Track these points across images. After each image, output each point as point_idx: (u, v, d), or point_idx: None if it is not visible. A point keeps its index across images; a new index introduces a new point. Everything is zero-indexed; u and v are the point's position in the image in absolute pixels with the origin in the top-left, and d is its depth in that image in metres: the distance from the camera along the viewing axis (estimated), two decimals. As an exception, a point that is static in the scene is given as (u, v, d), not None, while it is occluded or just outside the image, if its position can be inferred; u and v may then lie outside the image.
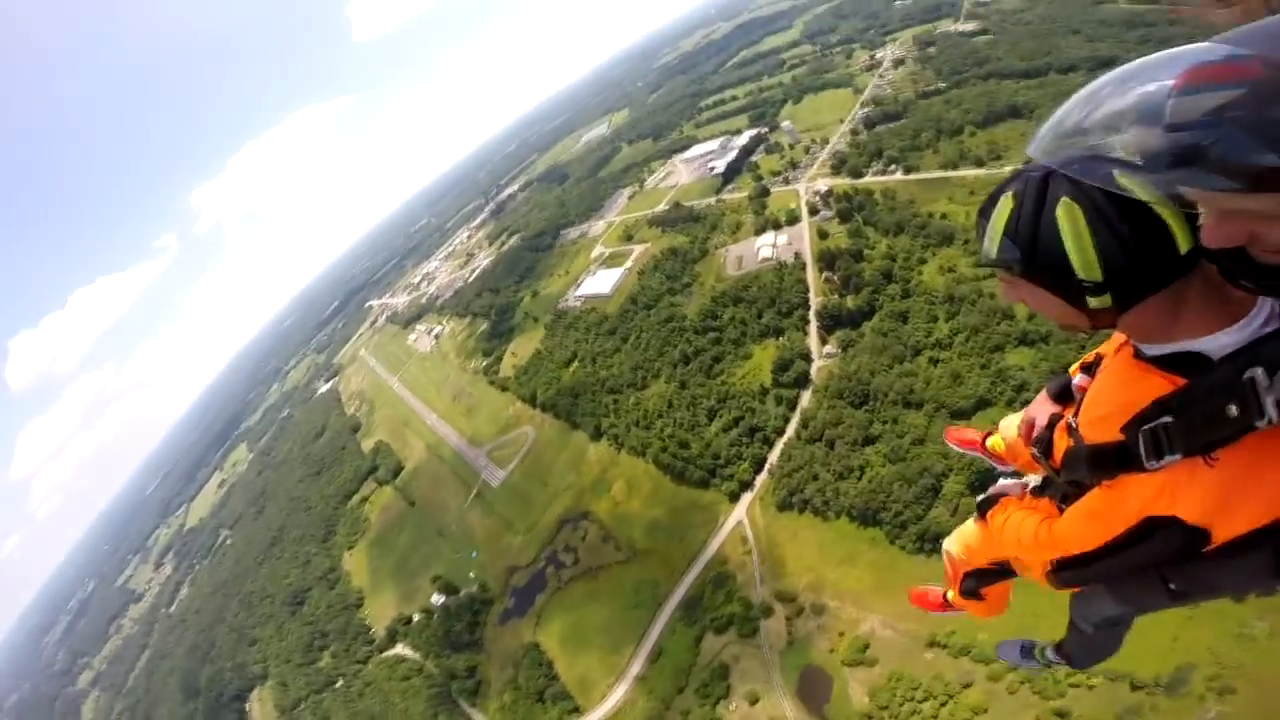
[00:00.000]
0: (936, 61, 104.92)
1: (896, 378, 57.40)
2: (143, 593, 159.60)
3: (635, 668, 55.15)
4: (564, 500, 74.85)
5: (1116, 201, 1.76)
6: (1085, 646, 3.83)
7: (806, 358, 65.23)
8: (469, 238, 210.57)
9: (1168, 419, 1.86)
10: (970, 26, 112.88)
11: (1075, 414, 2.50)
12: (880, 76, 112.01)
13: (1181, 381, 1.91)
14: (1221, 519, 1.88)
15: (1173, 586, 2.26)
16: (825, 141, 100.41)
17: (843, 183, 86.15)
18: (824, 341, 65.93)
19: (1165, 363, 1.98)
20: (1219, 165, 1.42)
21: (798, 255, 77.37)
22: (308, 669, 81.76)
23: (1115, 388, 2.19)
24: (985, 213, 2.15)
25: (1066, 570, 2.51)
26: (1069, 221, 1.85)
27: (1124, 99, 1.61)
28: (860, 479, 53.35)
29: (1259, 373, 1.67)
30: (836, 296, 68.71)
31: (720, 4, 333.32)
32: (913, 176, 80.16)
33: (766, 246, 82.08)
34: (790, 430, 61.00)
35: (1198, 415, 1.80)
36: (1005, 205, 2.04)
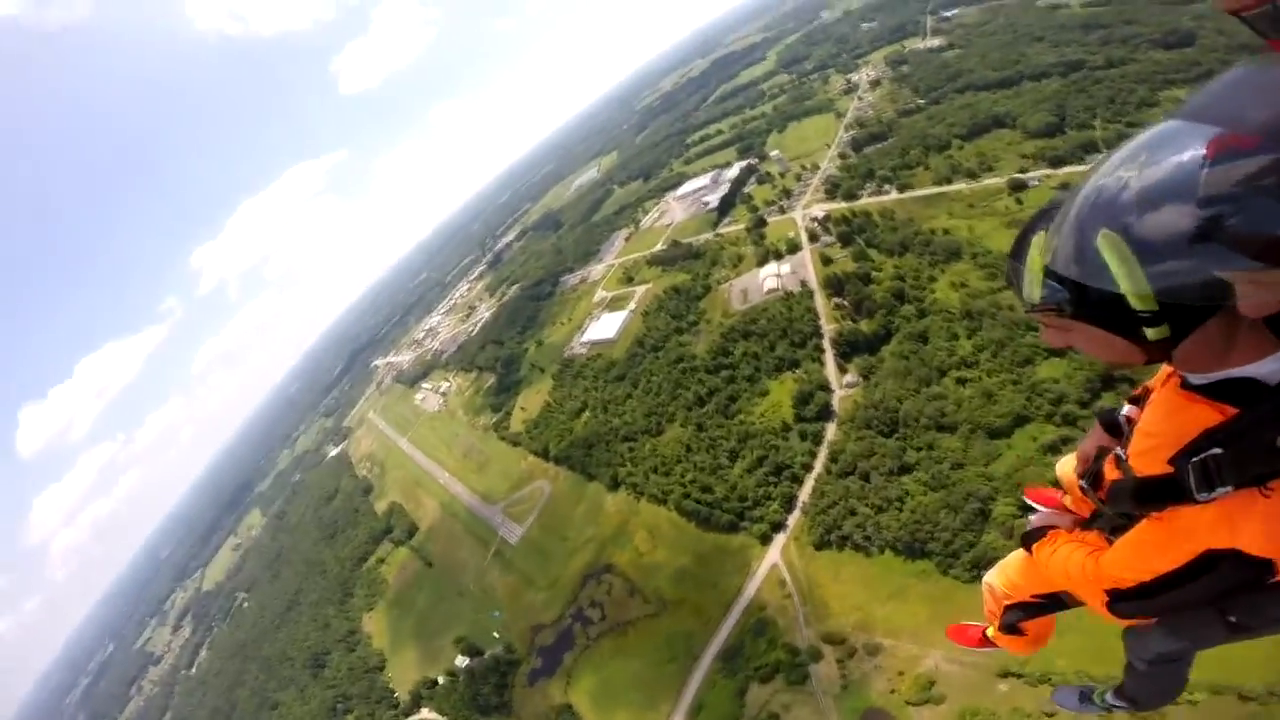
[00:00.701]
0: (912, 79, 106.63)
1: (925, 401, 55.52)
2: (161, 655, 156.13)
3: None
4: (585, 554, 72.15)
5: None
6: (1146, 686, 3.66)
7: (827, 389, 63.47)
8: (469, 290, 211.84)
9: (1217, 451, 1.83)
10: (937, 42, 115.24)
11: (1124, 446, 2.44)
12: (859, 99, 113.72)
13: (1230, 410, 1.87)
14: None
15: (1232, 619, 2.23)
16: (815, 167, 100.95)
17: (839, 207, 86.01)
18: (843, 370, 64.24)
19: (1212, 391, 1.93)
20: (1242, 239, 1.43)
21: (804, 283, 76.42)
22: None
23: (1162, 419, 2.13)
24: (1018, 255, 2.09)
25: (1125, 602, 2.43)
26: (1114, 251, 1.70)
27: (1155, 172, 1.61)
28: (901, 510, 51.01)
29: None
30: (850, 322, 67.39)
31: (692, 44, 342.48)
32: (908, 194, 79.89)
33: (771, 277, 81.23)
34: (819, 465, 58.82)
35: (1249, 447, 1.79)
36: (1040, 245, 1.96)
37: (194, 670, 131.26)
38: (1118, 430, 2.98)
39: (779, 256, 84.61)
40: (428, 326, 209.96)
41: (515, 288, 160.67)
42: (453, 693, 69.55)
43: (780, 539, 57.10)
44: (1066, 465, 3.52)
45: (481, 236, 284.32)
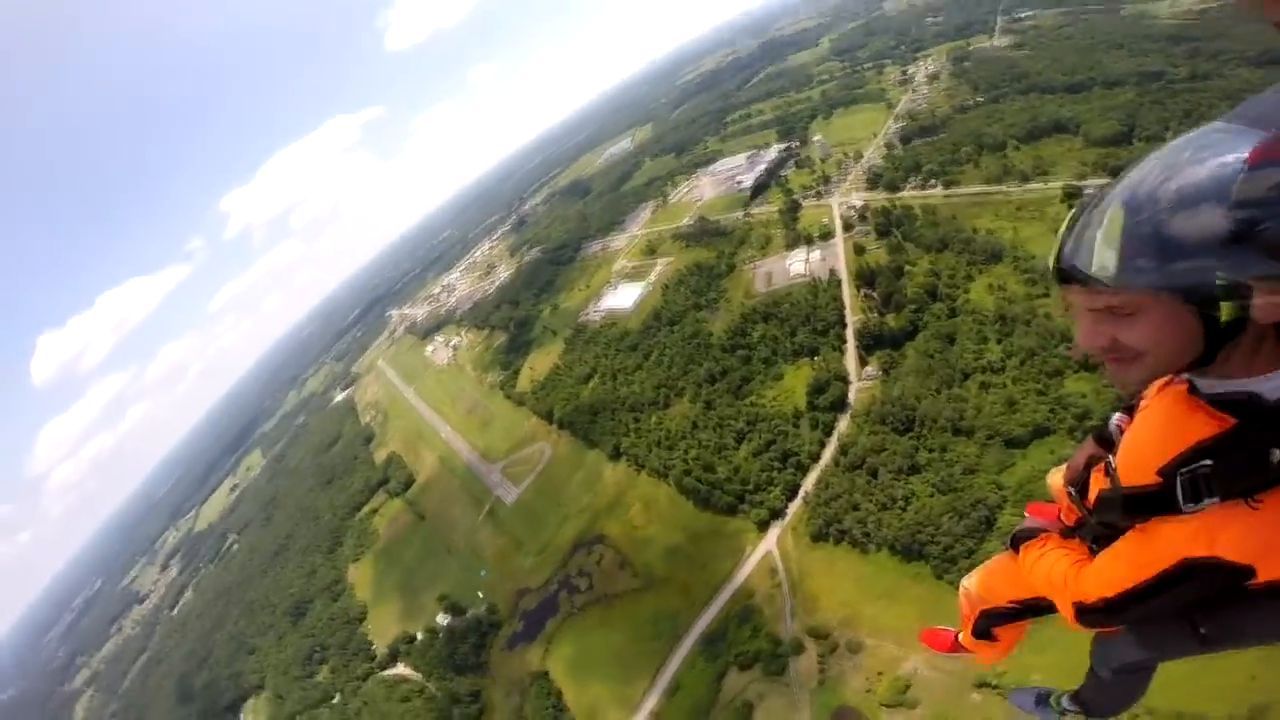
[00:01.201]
0: (973, 76, 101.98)
1: (945, 403, 53.20)
2: (147, 594, 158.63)
3: (650, 702, 51.30)
4: (579, 522, 71.12)
5: None
6: (1104, 694, 3.68)
7: (844, 380, 61.24)
8: (490, 249, 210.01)
9: (1207, 463, 1.85)
10: (1006, 42, 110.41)
11: (1114, 454, 2.39)
12: (914, 91, 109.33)
13: (1229, 421, 1.87)
14: (1267, 559, 1.87)
15: (1203, 631, 2.23)
16: (859, 156, 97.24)
17: (879, 198, 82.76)
18: (863, 363, 61.94)
19: (1218, 402, 1.92)
20: (1271, 245, 1.48)
21: (833, 272, 73.75)
22: (305, 682, 78.49)
23: (1156, 427, 2.11)
24: (1082, 232, 1.90)
25: (1098, 612, 2.40)
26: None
27: (1197, 171, 1.63)
28: (905, 510, 49.31)
29: None
30: (876, 315, 64.84)
31: (742, 24, 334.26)
32: (953, 192, 76.50)
33: (799, 262, 78.63)
34: (826, 456, 56.90)
35: (1239, 461, 1.81)
36: (1118, 215, 1.79)
37: (176, 611, 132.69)
38: (1108, 443, 2.89)
39: (810, 242, 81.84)
40: (446, 282, 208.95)
41: (536, 250, 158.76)
42: (430, 650, 69.25)
43: (778, 527, 55.56)
44: (1056, 474, 3.36)
45: (509, 199, 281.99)
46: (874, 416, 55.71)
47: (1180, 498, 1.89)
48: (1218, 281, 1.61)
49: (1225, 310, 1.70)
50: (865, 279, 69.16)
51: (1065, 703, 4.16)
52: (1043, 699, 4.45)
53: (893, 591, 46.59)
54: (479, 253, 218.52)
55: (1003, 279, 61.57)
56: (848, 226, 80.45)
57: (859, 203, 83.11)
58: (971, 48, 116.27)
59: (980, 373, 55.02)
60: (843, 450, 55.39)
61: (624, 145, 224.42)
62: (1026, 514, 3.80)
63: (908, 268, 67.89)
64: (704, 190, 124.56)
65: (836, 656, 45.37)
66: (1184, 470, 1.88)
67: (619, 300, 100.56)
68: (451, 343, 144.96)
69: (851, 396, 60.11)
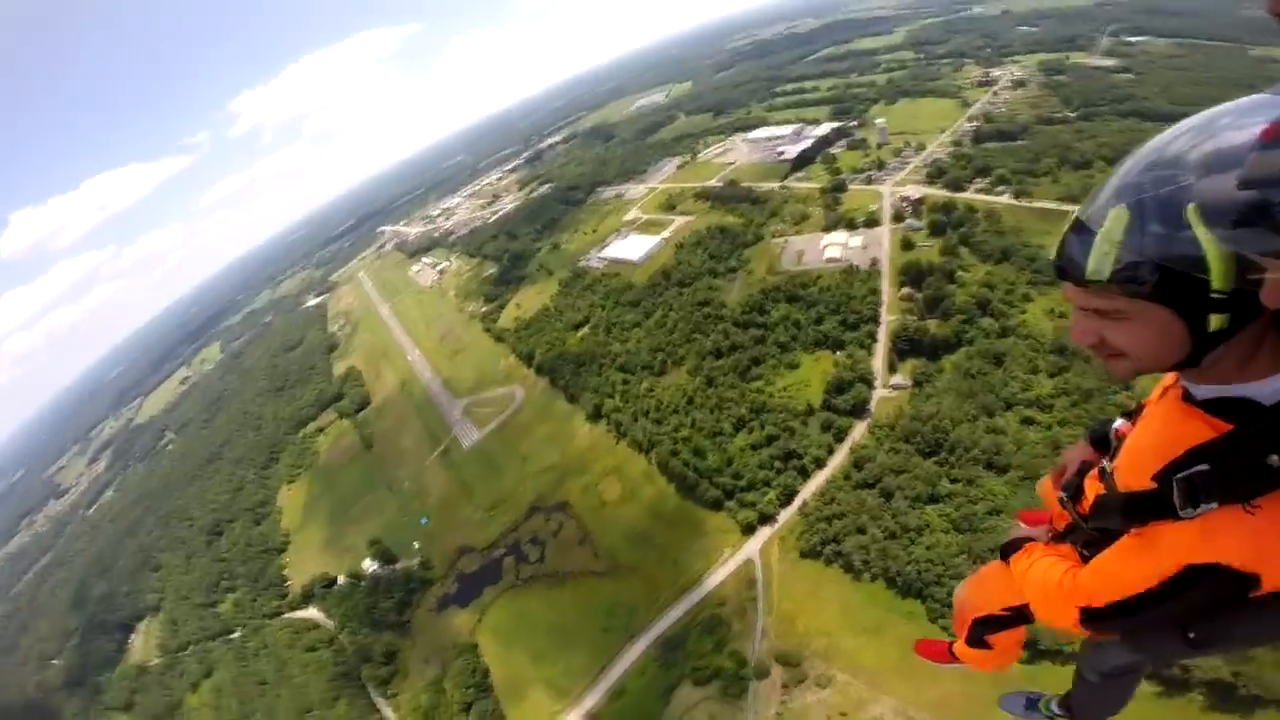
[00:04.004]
0: (1065, 90, 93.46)
1: (982, 432, 45.96)
2: (67, 488, 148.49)
3: (589, 701, 45.78)
4: (540, 482, 63.62)
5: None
6: (1093, 699, 3.71)
7: (868, 382, 53.55)
8: (498, 180, 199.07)
9: (1204, 467, 1.84)
10: (1109, 63, 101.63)
11: (1111, 459, 2.43)
12: (995, 94, 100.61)
13: (1224, 427, 1.86)
14: (1269, 564, 1.84)
15: (1192, 636, 2.23)
16: (921, 148, 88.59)
17: (938, 194, 74.33)
18: (893, 368, 54.32)
19: (1213, 407, 1.92)
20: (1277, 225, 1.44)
21: (874, 262, 65.58)
22: (205, 611, 71.27)
23: (1155, 431, 2.14)
24: (1083, 229, 1.88)
25: (1097, 618, 2.36)
26: (1204, 227, 1.61)
27: (1227, 139, 1.61)
28: (914, 543, 42.72)
29: None
30: (916, 318, 57.06)
31: (804, 3, 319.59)
32: (1023, 203, 68.18)
33: (836, 245, 70.28)
34: (834, 465, 49.55)
35: (1236, 465, 1.79)
36: (1120, 217, 1.77)
37: (92, 511, 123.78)
38: (1105, 445, 2.90)
39: (851, 227, 73.40)
40: (446, 205, 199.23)
41: (547, 187, 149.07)
42: (349, 598, 62.40)
43: (765, 533, 48.61)
44: (1049, 480, 3.35)
45: (528, 134, 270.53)
46: (899, 432, 48.24)
47: (1177, 502, 1.85)
48: (1217, 259, 1.56)
49: (1215, 321, 1.70)
50: (911, 276, 61.22)
51: (1054, 707, 4.15)
52: (1032, 703, 4.45)
53: (879, 626, 41.17)
54: (486, 181, 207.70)
55: (1066, 306, 53.50)
56: (897, 217, 72.11)
57: (915, 194, 74.65)
58: (1069, 61, 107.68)
59: (1026, 406, 47.96)
60: (855, 463, 48.02)
61: (656, 98, 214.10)
62: (1017, 520, 3.74)
63: (960, 273, 59.99)
64: (740, 153, 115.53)
65: (802, 689, 40.50)
66: (1180, 475, 1.85)
67: (626, 250, 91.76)
68: (439, 266, 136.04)
69: (873, 403, 52.54)
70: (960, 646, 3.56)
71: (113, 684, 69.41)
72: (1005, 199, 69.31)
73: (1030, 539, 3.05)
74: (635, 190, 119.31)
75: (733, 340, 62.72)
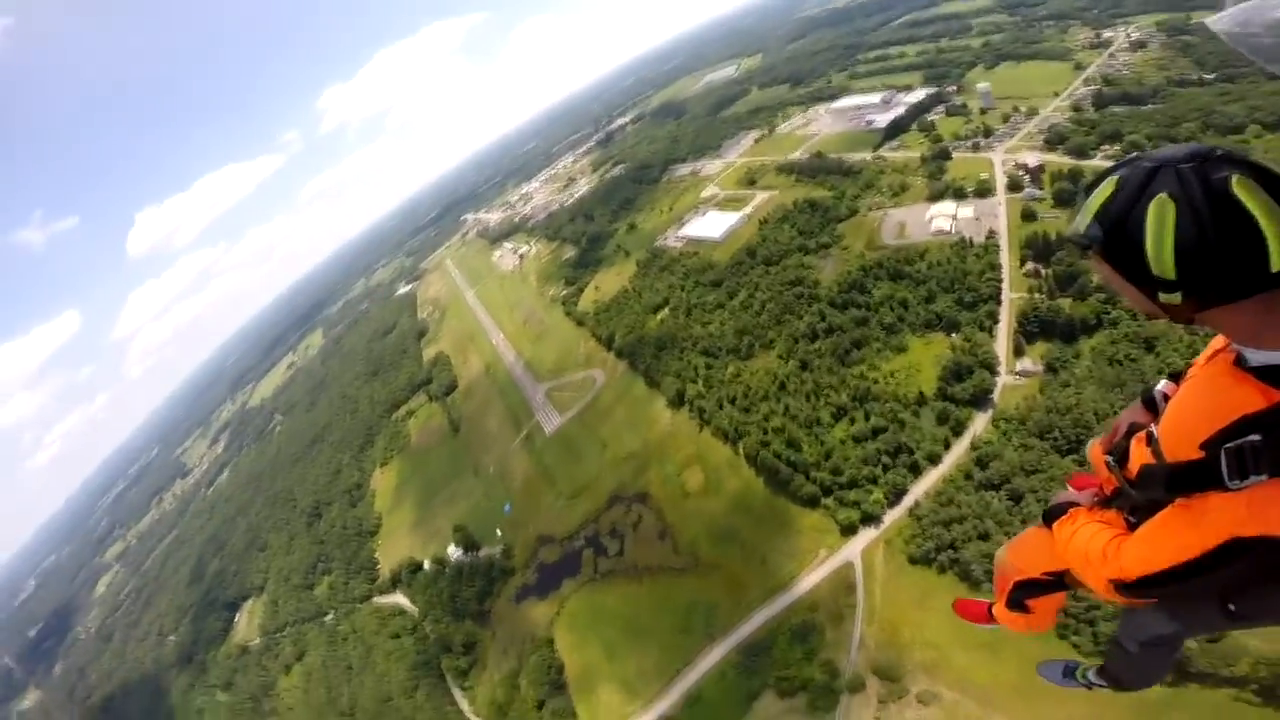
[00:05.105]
0: (1197, 52, 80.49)
1: (1136, 426, 39.20)
2: (191, 469, 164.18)
3: (663, 705, 44.03)
4: (621, 471, 61.73)
5: (1218, 211, 1.75)
6: (1131, 667, 3.65)
7: (990, 368, 47.51)
8: (572, 163, 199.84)
9: (1255, 438, 1.80)
10: None
11: (1157, 422, 2.36)
12: (1111, 56, 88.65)
13: (1276, 395, 1.83)
14: None
15: (1231, 608, 2.22)
16: (1032, 113, 79.18)
17: (1060, 160, 65.70)
18: (1019, 352, 47.87)
19: (1267, 374, 1.89)
20: None
21: (991, 234, 58.46)
22: (302, 593, 75.45)
23: (1201, 398, 2.09)
24: (1089, 190, 2.09)
25: (1140, 587, 2.35)
26: (1157, 217, 1.80)
27: None
28: (1048, 555, 36.69)
29: None
30: (1046, 296, 50.04)
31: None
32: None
33: (943, 217, 63.45)
34: (950, 461, 44.26)
35: None
36: (1107, 187, 1.99)
37: (211, 490, 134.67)
38: (1155, 406, 2.81)
39: (961, 196, 66.16)
40: (524, 191, 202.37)
41: (620, 168, 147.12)
42: (433, 585, 63.51)
43: (868, 535, 44.37)
44: (1096, 443, 3.11)
45: (598, 116, 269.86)
46: (1030, 426, 42.25)
47: (1225, 473, 1.81)
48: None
49: (1164, 297, 1.83)
50: (1036, 250, 53.93)
51: (1092, 675, 4.09)
52: (1070, 671, 4.38)
53: (998, 643, 36.16)
54: (561, 165, 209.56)
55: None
56: (1014, 186, 64.15)
57: (1032, 161, 66.28)
58: (1194, 21, 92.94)
59: (1187, 396, 40.54)
60: (979, 461, 42.51)
61: (727, 72, 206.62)
62: (1068, 485, 3.53)
63: (1098, 244, 52.11)
64: (823, 124, 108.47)
65: (901, 705, 37.38)
66: (1229, 445, 1.80)
67: (706, 228, 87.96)
68: (520, 250, 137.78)
69: (997, 392, 46.54)
70: (999, 608, 3.55)
71: (217, 662, 74.93)
72: (1143, 164, 60.02)
73: (1075, 504, 2.94)
74: (711, 166, 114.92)
75: (829, 321, 57.83)
